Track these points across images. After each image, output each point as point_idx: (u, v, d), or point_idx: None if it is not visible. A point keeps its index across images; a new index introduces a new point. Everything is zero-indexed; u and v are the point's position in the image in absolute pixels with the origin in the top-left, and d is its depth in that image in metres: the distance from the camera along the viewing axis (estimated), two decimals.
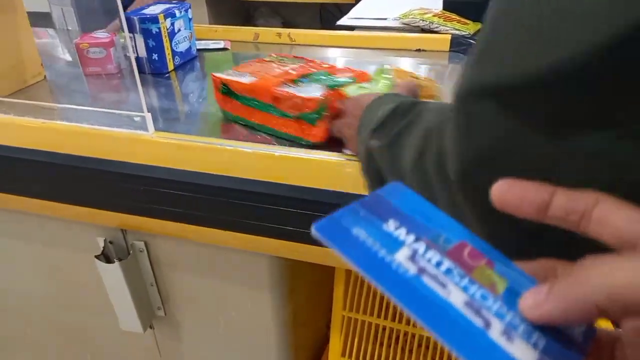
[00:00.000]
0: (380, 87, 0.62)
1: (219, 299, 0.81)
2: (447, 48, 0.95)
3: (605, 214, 0.21)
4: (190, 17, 0.92)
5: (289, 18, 2.39)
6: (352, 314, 0.86)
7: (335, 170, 0.58)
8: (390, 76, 0.64)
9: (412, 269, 0.21)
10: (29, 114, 0.71)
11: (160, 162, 0.64)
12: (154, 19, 0.84)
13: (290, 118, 0.62)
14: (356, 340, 0.88)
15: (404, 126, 0.39)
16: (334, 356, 0.88)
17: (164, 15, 0.85)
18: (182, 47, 0.92)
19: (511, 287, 0.22)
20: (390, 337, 0.88)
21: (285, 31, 1.03)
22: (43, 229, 0.83)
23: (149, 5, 0.89)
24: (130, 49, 0.85)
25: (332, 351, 0.88)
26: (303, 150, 0.60)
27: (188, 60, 0.95)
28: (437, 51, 0.96)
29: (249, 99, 0.65)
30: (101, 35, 0.91)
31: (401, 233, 0.23)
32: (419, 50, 0.97)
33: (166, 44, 0.88)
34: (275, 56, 0.73)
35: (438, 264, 0.22)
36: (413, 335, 0.88)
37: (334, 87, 0.61)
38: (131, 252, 0.78)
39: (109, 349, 0.98)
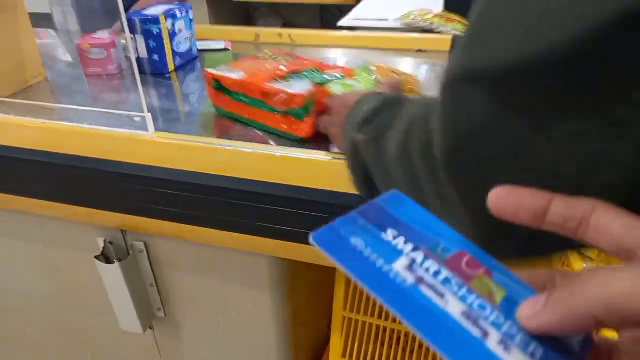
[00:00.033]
0: (363, 84, 0.64)
1: (218, 300, 0.81)
2: (448, 49, 0.95)
3: (603, 222, 0.21)
4: (191, 18, 0.92)
5: (290, 18, 2.39)
6: (353, 315, 0.86)
7: (335, 171, 0.58)
8: (373, 73, 0.66)
9: (410, 279, 0.21)
10: (30, 114, 0.71)
11: (160, 163, 0.64)
12: (155, 20, 0.84)
13: (279, 113, 0.63)
14: (357, 340, 0.88)
15: (389, 119, 0.40)
16: (334, 357, 0.88)
17: (165, 16, 0.85)
18: (182, 47, 0.92)
19: (509, 296, 0.22)
20: (391, 338, 0.87)
21: (286, 31, 1.03)
22: (43, 229, 0.83)
23: (152, 6, 0.89)
24: (131, 50, 0.85)
25: (333, 352, 0.88)
26: (303, 150, 0.60)
27: (189, 61, 0.95)
28: (438, 52, 0.96)
29: (240, 95, 0.66)
30: (102, 35, 0.91)
31: (399, 242, 0.23)
32: (419, 50, 0.97)
33: (167, 45, 0.88)
34: (269, 53, 0.75)
35: (436, 274, 0.22)
36: (414, 336, 0.87)
37: (321, 84, 0.62)
38: (131, 252, 0.78)
39: (109, 349, 0.98)
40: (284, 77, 0.64)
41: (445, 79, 0.28)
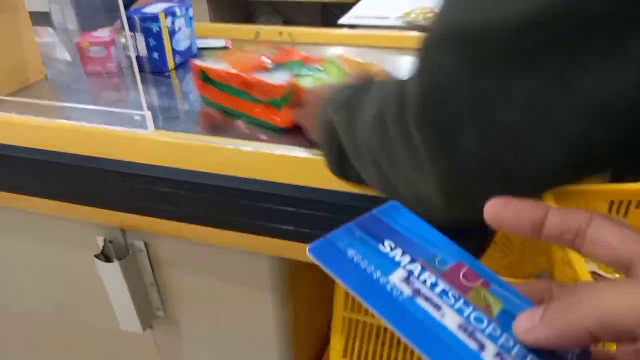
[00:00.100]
0: (332, 76, 0.66)
1: (219, 299, 0.81)
2: None
3: (599, 233, 0.21)
4: (191, 15, 0.91)
5: (290, 16, 2.39)
6: (353, 315, 0.86)
7: None
8: (341, 65, 0.69)
9: (406, 291, 0.21)
10: (30, 112, 0.71)
11: (160, 161, 0.63)
12: (155, 18, 0.84)
13: (260, 103, 0.65)
14: (357, 340, 0.87)
15: (364, 95, 0.42)
16: (334, 357, 0.88)
17: (164, 14, 0.85)
18: (182, 45, 0.91)
19: (506, 308, 0.22)
20: (392, 338, 0.87)
21: (286, 29, 1.03)
22: (42, 228, 0.83)
23: (151, 4, 0.88)
24: (131, 48, 0.85)
25: (333, 352, 0.88)
26: (304, 149, 0.60)
27: (188, 59, 0.95)
28: None
29: (224, 85, 0.69)
30: (102, 34, 0.91)
31: (397, 254, 0.23)
32: None
33: (167, 43, 0.87)
34: (256, 46, 0.77)
35: (433, 286, 0.22)
36: None
37: (303, 76, 0.65)
38: (131, 251, 0.78)
39: (108, 348, 0.98)
40: (267, 69, 0.67)
41: (422, 41, 0.31)
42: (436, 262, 0.23)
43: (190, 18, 0.91)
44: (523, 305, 0.22)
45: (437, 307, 0.21)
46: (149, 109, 0.65)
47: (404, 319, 0.20)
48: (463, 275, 0.23)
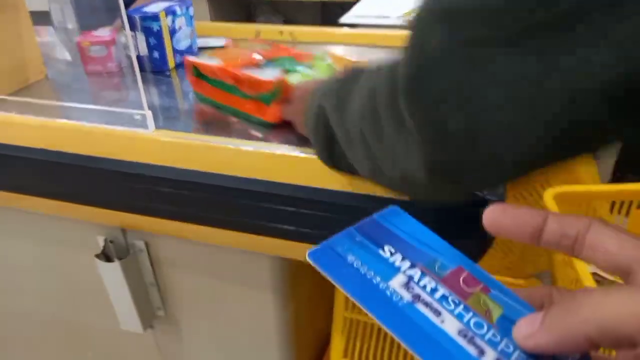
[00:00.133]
0: (321, 73, 0.68)
1: (219, 299, 0.81)
2: None
3: (597, 239, 0.21)
4: (191, 14, 0.91)
5: (290, 16, 2.38)
6: (354, 315, 0.86)
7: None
8: (329, 62, 0.70)
9: (406, 297, 0.22)
10: (30, 112, 0.71)
11: (161, 161, 0.63)
12: (155, 17, 0.84)
13: (250, 99, 0.66)
14: (358, 340, 0.87)
15: (355, 82, 0.43)
16: (335, 357, 0.88)
17: (165, 13, 0.84)
18: (183, 45, 0.91)
19: (506, 313, 0.22)
20: (392, 338, 0.87)
21: (287, 28, 1.03)
22: (43, 228, 0.83)
23: (151, 3, 0.88)
24: (132, 47, 0.85)
25: (334, 352, 0.88)
26: (305, 149, 0.60)
27: None
28: None
29: (216, 81, 0.70)
30: (102, 33, 0.90)
31: (397, 259, 0.23)
32: None
33: (167, 42, 0.87)
34: (250, 43, 0.80)
35: (433, 291, 0.22)
36: None
37: (291, 72, 0.66)
38: (131, 251, 0.78)
39: (109, 348, 0.98)
40: (258, 65, 0.68)
41: (413, 18, 0.32)
42: (436, 267, 0.23)
43: (191, 17, 0.91)
44: (523, 310, 0.22)
45: (437, 313, 0.21)
46: (149, 108, 0.64)
47: (403, 324, 0.20)
48: (463, 281, 0.23)
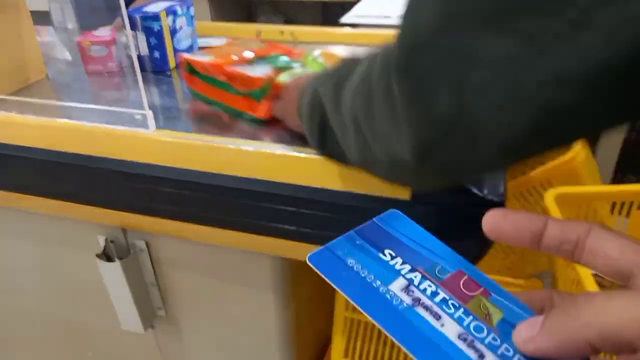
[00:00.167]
0: (312, 70, 0.68)
1: (220, 299, 0.81)
2: None
3: (598, 244, 0.21)
4: (192, 14, 0.91)
5: (291, 16, 2.38)
6: (355, 315, 0.86)
7: (338, 170, 0.57)
8: (321, 60, 0.71)
9: (406, 300, 0.21)
10: (31, 112, 0.71)
11: (161, 161, 0.63)
12: (156, 17, 0.84)
13: (241, 95, 0.67)
14: (358, 340, 0.87)
15: (352, 66, 0.44)
16: (336, 357, 0.88)
17: (165, 13, 0.84)
18: (184, 44, 0.91)
19: (506, 317, 0.22)
20: None
21: (287, 28, 1.03)
22: (43, 228, 0.83)
23: (152, 2, 0.88)
24: (132, 47, 0.85)
25: (335, 352, 0.88)
26: (305, 149, 0.60)
27: None
28: None
29: (209, 77, 0.71)
30: (102, 33, 0.90)
31: (397, 263, 0.23)
32: None
33: (168, 42, 0.87)
34: (242, 40, 0.80)
35: (433, 295, 0.22)
36: None
37: (283, 69, 0.67)
38: (132, 251, 0.78)
39: (109, 348, 0.98)
40: (250, 62, 0.69)
41: None
42: (436, 271, 0.23)
43: (192, 17, 0.91)
44: (523, 314, 0.22)
45: (437, 316, 0.21)
46: (150, 108, 0.64)
47: (403, 328, 0.20)
48: (463, 284, 0.23)
